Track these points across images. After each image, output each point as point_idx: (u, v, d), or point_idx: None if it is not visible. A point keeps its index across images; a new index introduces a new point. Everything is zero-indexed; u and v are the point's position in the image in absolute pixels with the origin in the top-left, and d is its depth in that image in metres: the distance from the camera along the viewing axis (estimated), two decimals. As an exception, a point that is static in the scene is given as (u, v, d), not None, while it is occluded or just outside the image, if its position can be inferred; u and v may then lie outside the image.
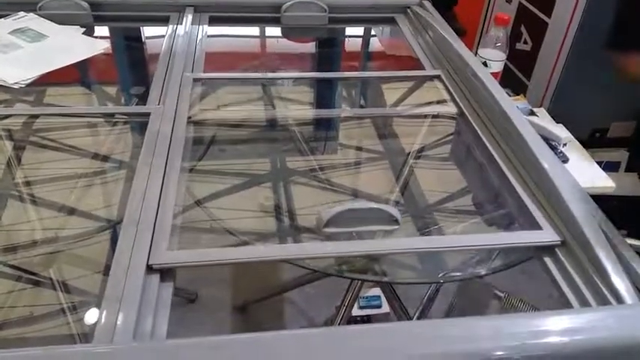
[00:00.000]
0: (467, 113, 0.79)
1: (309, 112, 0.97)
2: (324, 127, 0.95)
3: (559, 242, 0.55)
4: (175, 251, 0.52)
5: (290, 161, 0.88)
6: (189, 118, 0.75)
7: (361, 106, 0.99)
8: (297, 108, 0.95)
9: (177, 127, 0.72)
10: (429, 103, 0.89)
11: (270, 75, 0.98)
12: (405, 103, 0.94)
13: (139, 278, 0.48)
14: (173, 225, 0.56)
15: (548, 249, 0.55)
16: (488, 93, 0.77)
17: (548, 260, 0.55)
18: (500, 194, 0.68)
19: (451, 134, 0.86)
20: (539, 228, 0.57)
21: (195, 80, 0.82)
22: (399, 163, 0.87)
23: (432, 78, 0.89)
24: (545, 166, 0.62)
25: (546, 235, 0.56)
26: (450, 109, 0.84)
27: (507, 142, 0.71)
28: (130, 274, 0.48)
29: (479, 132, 0.75)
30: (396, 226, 0.59)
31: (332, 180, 0.82)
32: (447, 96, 0.85)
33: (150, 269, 0.49)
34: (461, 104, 0.82)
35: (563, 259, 0.54)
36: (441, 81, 0.87)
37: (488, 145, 0.72)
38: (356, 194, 0.82)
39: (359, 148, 0.93)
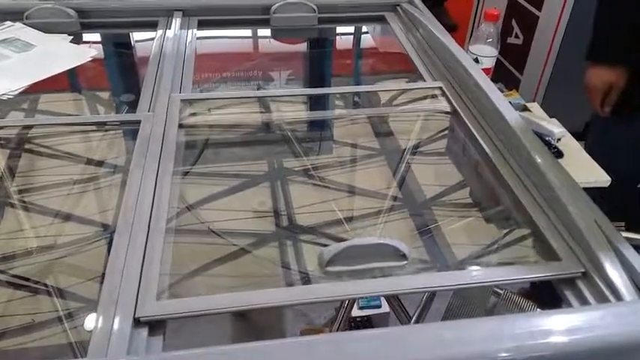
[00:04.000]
0: (467, 122, 0.78)
1: (302, 113, 0.97)
2: (319, 127, 0.95)
3: (580, 274, 0.52)
4: (165, 300, 0.49)
5: (285, 162, 0.87)
6: (180, 123, 0.75)
7: (355, 103, 0.98)
8: (290, 109, 0.94)
9: (168, 133, 0.71)
10: (424, 99, 0.88)
11: (263, 93, 0.96)
12: (399, 101, 0.93)
13: (125, 334, 0.44)
14: (166, 232, 0.55)
15: (569, 280, 0.53)
16: (489, 102, 0.75)
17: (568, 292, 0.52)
18: (507, 208, 0.66)
19: (445, 130, 0.85)
20: (557, 257, 0.54)
21: (183, 101, 0.79)
22: (395, 160, 0.86)
23: (432, 90, 0.87)
24: (554, 181, 0.59)
25: (566, 266, 0.53)
26: (444, 105, 0.83)
27: (511, 152, 0.69)
28: (115, 330, 0.44)
29: (486, 148, 0.72)
30: (405, 262, 0.55)
31: (329, 179, 0.82)
32: (445, 103, 0.84)
33: (137, 322, 0.46)
34: (460, 110, 0.80)
35: (584, 289, 0.51)
36: (443, 93, 0.85)
37: (491, 156, 0.70)
38: (354, 192, 0.82)
39: (354, 147, 0.93)
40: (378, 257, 0.55)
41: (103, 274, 0.50)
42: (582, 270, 0.51)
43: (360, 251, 0.54)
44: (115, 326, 0.45)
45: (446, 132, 0.85)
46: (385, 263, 0.54)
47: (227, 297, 0.49)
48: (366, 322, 1.39)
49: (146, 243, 0.53)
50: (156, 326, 0.46)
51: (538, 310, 0.87)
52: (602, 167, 0.92)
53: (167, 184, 0.62)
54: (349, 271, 0.54)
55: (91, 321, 0.47)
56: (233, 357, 0.40)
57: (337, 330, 1.22)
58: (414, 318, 1.15)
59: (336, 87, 1.01)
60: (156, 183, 0.61)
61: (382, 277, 0.54)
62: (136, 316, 0.46)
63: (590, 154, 0.95)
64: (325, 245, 0.71)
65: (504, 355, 0.41)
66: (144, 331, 0.45)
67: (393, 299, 1.23)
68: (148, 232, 0.54)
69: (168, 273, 0.53)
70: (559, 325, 0.43)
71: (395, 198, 0.78)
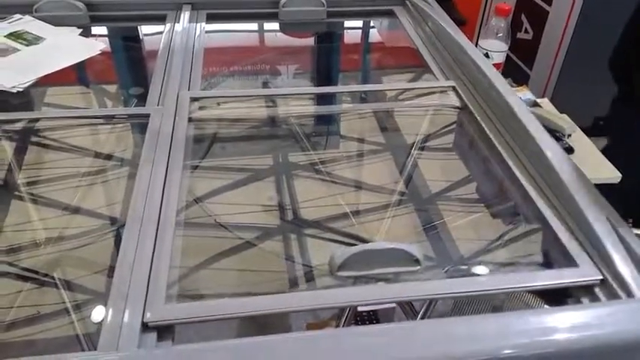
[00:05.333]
0: (478, 117, 0.77)
1: (311, 108, 0.97)
2: (326, 121, 0.95)
3: (598, 281, 0.50)
4: (174, 304, 0.48)
5: (294, 157, 0.87)
6: (190, 117, 0.75)
7: (362, 98, 0.98)
8: (298, 104, 0.94)
9: (178, 126, 0.71)
10: (432, 94, 0.88)
11: (273, 92, 0.95)
12: (408, 96, 0.93)
13: (136, 329, 0.44)
14: (176, 226, 0.56)
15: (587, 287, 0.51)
16: (500, 97, 0.74)
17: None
18: (518, 206, 0.65)
19: (456, 126, 0.85)
20: (572, 259, 0.52)
21: (193, 99, 0.79)
22: (403, 155, 0.86)
23: (445, 89, 0.86)
24: (565, 178, 0.58)
25: (585, 272, 0.51)
26: (454, 100, 0.83)
27: (522, 148, 0.68)
28: (125, 323, 0.44)
29: (500, 150, 0.70)
30: (417, 267, 0.53)
31: (336, 174, 0.81)
32: (455, 98, 0.83)
33: (145, 327, 0.45)
34: (470, 105, 0.80)
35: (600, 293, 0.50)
36: (456, 92, 0.84)
37: (503, 154, 0.69)
38: (363, 187, 0.82)
39: (361, 142, 0.92)
40: (391, 262, 0.53)
41: (112, 268, 0.50)
42: (600, 277, 0.50)
43: (372, 256, 0.53)
44: (126, 319, 0.44)
45: (456, 127, 0.84)
46: (398, 268, 0.53)
47: (237, 302, 0.48)
48: (371, 317, 1.39)
49: (156, 236, 0.53)
50: (165, 331, 0.46)
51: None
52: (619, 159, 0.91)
53: (177, 178, 0.62)
54: (360, 276, 0.53)
55: (100, 314, 0.47)
56: (240, 351, 0.40)
57: (343, 324, 1.22)
58: (420, 313, 1.15)
59: (347, 86, 1.00)
60: (166, 176, 0.61)
61: (394, 283, 0.53)
62: (145, 320, 0.45)
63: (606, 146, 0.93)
64: (335, 241, 0.71)
65: (514, 351, 0.41)
66: (152, 336, 0.45)
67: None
68: (158, 225, 0.55)
69: (178, 266, 0.53)
70: (569, 322, 0.43)
71: (403, 193, 0.78)
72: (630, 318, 0.44)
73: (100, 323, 0.45)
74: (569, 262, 0.53)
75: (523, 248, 0.65)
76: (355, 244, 0.70)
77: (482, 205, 0.76)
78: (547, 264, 0.58)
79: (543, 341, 0.42)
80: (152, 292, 0.48)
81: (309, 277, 0.67)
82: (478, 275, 0.60)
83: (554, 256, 0.56)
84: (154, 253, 0.51)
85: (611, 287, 0.49)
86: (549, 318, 0.43)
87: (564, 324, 0.43)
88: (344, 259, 0.52)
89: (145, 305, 0.46)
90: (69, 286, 0.64)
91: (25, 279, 0.65)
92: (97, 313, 0.55)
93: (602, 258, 0.51)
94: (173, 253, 0.52)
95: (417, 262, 0.53)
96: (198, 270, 0.61)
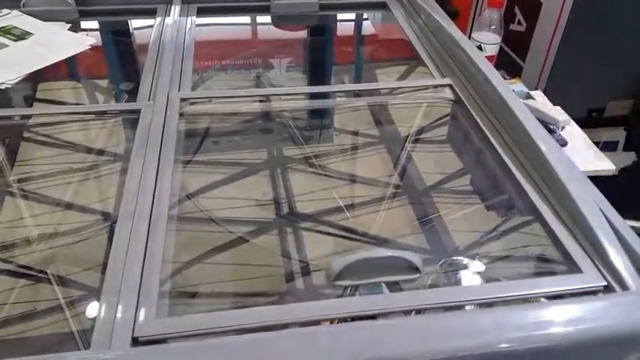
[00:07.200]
0: (471, 110, 0.76)
1: (304, 102, 0.96)
2: (320, 115, 0.94)
3: (602, 287, 0.49)
4: (166, 319, 0.46)
5: (288, 151, 0.87)
6: (181, 112, 0.74)
7: (356, 93, 0.98)
8: (291, 98, 0.94)
9: (169, 121, 0.70)
10: (426, 88, 0.87)
11: (265, 91, 0.93)
12: (400, 90, 0.92)
13: (129, 323, 0.44)
14: (168, 221, 0.55)
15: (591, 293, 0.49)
16: (493, 90, 0.73)
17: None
18: (513, 201, 0.65)
19: (449, 119, 0.84)
20: (575, 264, 0.51)
21: (183, 100, 0.77)
22: (398, 148, 0.86)
23: (442, 87, 0.84)
24: (559, 172, 0.57)
25: (588, 279, 0.50)
26: (448, 93, 0.82)
27: (516, 141, 0.67)
28: (118, 320, 0.44)
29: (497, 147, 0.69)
30: (417, 275, 0.52)
31: (330, 168, 0.81)
32: (448, 91, 0.83)
33: (136, 341, 0.43)
34: (463, 98, 0.79)
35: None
36: (453, 90, 0.83)
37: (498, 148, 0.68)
38: (358, 181, 0.81)
39: (356, 135, 0.92)
40: (389, 270, 0.52)
41: (104, 266, 0.49)
42: (604, 284, 0.49)
43: (370, 264, 0.52)
44: (115, 335, 0.43)
45: (450, 120, 0.84)
46: (396, 277, 0.52)
47: (231, 314, 0.47)
48: (367, 311, 1.39)
49: (148, 233, 0.53)
50: (155, 344, 0.44)
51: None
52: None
53: (168, 173, 0.61)
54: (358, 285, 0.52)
55: (93, 312, 0.46)
56: (236, 347, 0.40)
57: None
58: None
59: (341, 85, 1.00)
60: (157, 172, 0.61)
61: (393, 291, 0.52)
62: (135, 335, 0.43)
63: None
64: (331, 234, 0.71)
65: (510, 345, 0.41)
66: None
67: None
68: (150, 222, 0.54)
69: (171, 263, 0.53)
70: (564, 316, 0.43)
71: (398, 186, 0.78)
72: (624, 311, 0.44)
73: (94, 312, 0.45)
74: (569, 263, 0.52)
75: (517, 244, 0.65)
76: (351, 238, 0.70)
77: (478, 198, 0.76)
78: (543, 259, 0.58)
79: (539, 335, 0.42)
80: (143, 300, 0.46)
81: (305, 273, 0.66)
82: (477, 273, 0.60)
83: (549, 253, 0.56)
84: (145, 252, 0.50)
85: (612, 289, 0.48)
86: (545, 312, 0.43)
87: (560, 317, 0.43)
88: (341, 268, 0.50)
89: (135, 318, 0.45)
90: (59, 286, 0.63)
91: (15, 276, 0.64)
92: (85, 321, 0.54)
93: (597, 251, 0.51)
94: (165, 252, 0.52)
95: (416, 269, 0.52)
96: (191, 268, 0.60)
